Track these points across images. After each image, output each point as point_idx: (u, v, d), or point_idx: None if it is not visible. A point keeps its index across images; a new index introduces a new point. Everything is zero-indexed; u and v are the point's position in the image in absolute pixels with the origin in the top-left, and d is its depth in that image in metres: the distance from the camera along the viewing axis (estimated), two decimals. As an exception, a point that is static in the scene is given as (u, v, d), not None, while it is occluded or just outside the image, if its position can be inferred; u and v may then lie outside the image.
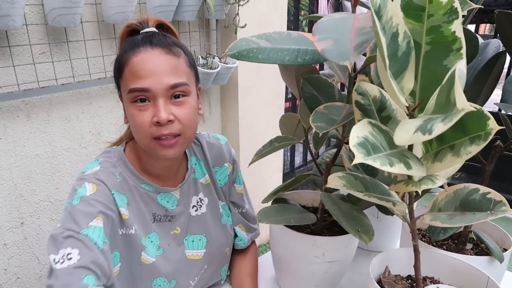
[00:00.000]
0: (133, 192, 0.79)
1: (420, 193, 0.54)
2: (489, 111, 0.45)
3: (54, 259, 0.65)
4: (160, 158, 0.75)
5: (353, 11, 0.64)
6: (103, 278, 0.67)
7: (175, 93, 0.73)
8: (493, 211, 0.55)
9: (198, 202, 0.88)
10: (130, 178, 0.79)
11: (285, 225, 0.81)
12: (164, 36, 0.75)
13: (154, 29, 0.77)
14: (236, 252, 0.99)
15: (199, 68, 1.59)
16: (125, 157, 0.80)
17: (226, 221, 0.93)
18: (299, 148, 3.49)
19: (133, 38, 0.75)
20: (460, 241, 0.88)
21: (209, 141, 0.93)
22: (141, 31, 0.77)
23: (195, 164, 0.90)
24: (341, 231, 0.86)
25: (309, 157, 3.37)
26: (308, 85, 0.74)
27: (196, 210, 0.88)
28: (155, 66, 0.71)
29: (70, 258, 0.65)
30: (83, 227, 0.67)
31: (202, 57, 1.73)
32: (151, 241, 0.80)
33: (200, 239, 0.88)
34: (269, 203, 0.91)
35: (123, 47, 0.75)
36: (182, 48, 0.76)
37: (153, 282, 0.80)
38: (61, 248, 0.65)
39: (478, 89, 0.80)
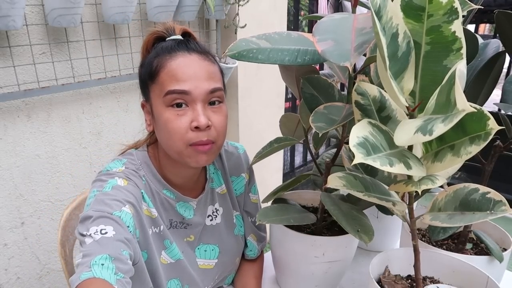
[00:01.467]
0: (154, 197, 0.78)
1: (420, 193, 0.54)
2: (489, 111, 0.46)
3: (85, 233, 0.62)
4: (191, 165, 0.73)
5: (353, 11, 0.64)
6: (133, 259, 0.66)
7: (212, 99, 0.72)
8: (492, 211, 0.55)
9: (213, 212, 0.88)
10: (153, 183, 0.78)
11: (285, 225, 0.81)
12: (197, 43, 0.75)
13: (180, 37, 0.76)
14: (244, 260, 0.99)
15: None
16: (149, 160, 0.79)
17: (239, 232, 0.93)
18: (299, 148, 3.50)
19: (166, 43, 0.74)
20: (460, 241, 0.88)
21: (228, 149, 0.92)
22: (167, 39, 0.76)
23: (213, 173, 0.89)
24: (341, 231, 0.86)
25: (309, 157, 3.38)
26: (308, 85, 0.74)
27: (211, 220, 0.87)
28: (195, 71, 0.70)
29: (106, 233, 0.62)
30: (116, 210, 0.66)
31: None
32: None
33: (213, 249, 0.87)
34: (269, 203, 0.91)
35: (155, 52, 0.74)
36: (214, 57, 0.77)
37: (168, 284, 0.79)
38: (92, 226, 0.63)
39: (477, 89, 0.80)
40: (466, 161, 0.51)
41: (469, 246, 0.89)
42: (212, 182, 0.88)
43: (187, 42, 0.74)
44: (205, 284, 0.87)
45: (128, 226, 0.66)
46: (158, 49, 0.74)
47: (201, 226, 0.85)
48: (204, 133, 0.70)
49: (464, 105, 0.40)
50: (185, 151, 0.71)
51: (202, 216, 0.85)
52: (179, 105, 0.70)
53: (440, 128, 0.42)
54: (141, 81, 0.77)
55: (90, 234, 0.62)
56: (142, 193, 0.74)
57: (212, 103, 0.73)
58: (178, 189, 0.81)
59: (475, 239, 0.90)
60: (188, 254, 0.84)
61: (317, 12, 2.98)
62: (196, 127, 0.69)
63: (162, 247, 0.78)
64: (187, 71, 0.70)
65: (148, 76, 0.73)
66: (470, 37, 0.72)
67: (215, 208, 0.88)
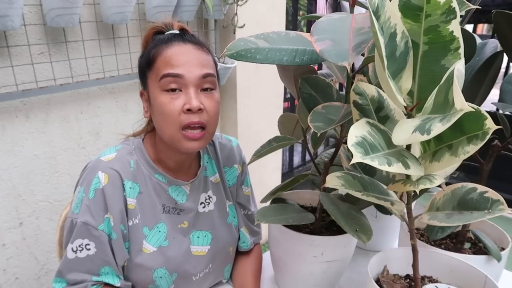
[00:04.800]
0: (146, 181, 0.81)
1: (418, 192, 0.54)
2: (487, 111, 0.46)
3: (71, 248, 0.74)
4: (183, 150, 0.77)
5: (351, 11, 0.64)
6: (117, 270, 0.77)
7: (205, 85, 0.76)
8: (490, 210, 0.55)
9: (206, 199, 0.90)
10: (145, 167, 0.81)
11: (283, 225, 0.81)
12: (193, 35, 0.80)
13: (177, 31, 0.81)
14: (240, 253, 1.00)
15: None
16: (142, 146, 0.83)
17: (232, 221, 0.94)
18: (298, 148, 3.50)
19: (163, 35, 0.79)
20: (458, 240, 0.88)
21: (222, 141, 0.96)
22: (166, 33, 0.80)
23: (207, 162, 0.92)
24: (339, 231, 0.86)
25: (307, 157, 3.38)
26: (306, 85, 0.74)
27: (203, 207, 0.89)
28: (188, 58, 0.75)
29: (89, 249, 0.74)
30: (100, 222, 0.74)
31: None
32: (159, 231, 0.82)
33: (205, 236, 0.89)
34: (268, 203, 0.91)
35: (153, 43, 0.79)
36: (209, 48, 0.81)
37: (154, 274, 0.80)
38: (78, 238, 0.74)
39: (475, 89, 0.81)
40: (464, 160, 0.51)
41: (467, 245, 0.89)
42: (205, 170, 0.90)
43: (183, 35, 0.79)
44: (198, 271, 0.88)
45: (109, 234, 0.75)
46: (156, 40, 0.79)
47: (194, 212, 0.87)
48: (195, 115, 0.74)
49: (462, 105, 0.40)
50: (177, 135, 0.75)
51: (195, 203, 0.87)
52: (173, 90, 0.74)
53: (438, 127, 0.43)
54: (140, 70, 0.81)
55: (75, 250, 0.74)
56: (123, 184, 0.78)
57: (205, 89, 0.77)
58: (171, 173, 0.84)
59: (473, 238, 0.90)
60: (181, 241, 0.85)
61: (315, 12, 2.99)
62: (189, 110, 0.73)
63: (142, 237, 0.80)
64: (181, 57, 0.75)
65: (146, 64, 0.78)
66: (468, 37, 0.72)
67: (208, 196, 0.90)
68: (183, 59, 0.74)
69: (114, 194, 0.76)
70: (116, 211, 0.76)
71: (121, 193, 0.77)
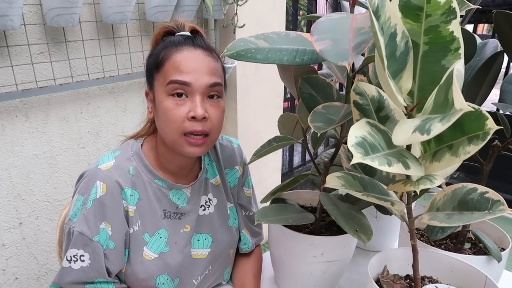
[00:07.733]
0: (146, 187, 0.80)
1: (418, 192, 0.54)
2: (487, 111, 0.46)
3: (66, 257, 0.75)
4: (184, 155, 0.77)
5: (351, 11, 0.64)
6: (109, 278, 0.77)
7: (211, 93, 0.76)
8: (491, 211, 0.55)
9: (206, 202, 0.90)
10: (144, 173, 0.81)
11: (283, 225, 0.81)
12: (203, 40, 0.79)
13: (188, 33, 0.80)
14: (240, 255, 1.00)
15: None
16: (141, 152, 0.83)
17: (233, 223, 0.94)
18: (298, 148, 3.50)
19: (174, 37, 0.79)
20: (458, 241, 0.88)
21: (222, 143, 0.96)
22: (177, 34, 0.80)
23: (208, 164, 0.91)
24: (339, 231, 0.86)
25: (307, 157, 3.38)
26: (307, 85, 0.74)
27: (204, 210, 0.89)
28: (198, 65, 0.74)
29: (83, 260, 0.75)
30: (95, 233, 0.75)
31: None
32: (160, 237, 0.81)
33: (205, 239, 0.88)
34: (268, 203, 0.91)
35: (163, 44, 0.78)
36: (218, 55, 0.80)
37: (156, 280, 0.80)
38: (73, 248, 0.75)
39: (476, 89, 0.80)
40: (464, 161, 0.51)
41: (467, 245, 0.89)
42: (206, 173, 0.90)
43: (194, 38, 0.78)
44: (197, 274, 0.87)
45: (102, 246, 0.75)
46: (166, 42, 0.78)
47: (195, 215, 0.87)
48: (199, 123, 0.74)
49: (461, 105, 0.40)
50: (179, 140, 0.75)
51: (195, 206, 0.87)
52: (179, 95, 0.74)
53: (438, 127, 0.42)
54: (147, 70, 0.81)
55: (69, 260, 0.75)
56: (124, 192, 0.78)
57: (211, 97, 0.76)
58: (171, 177, 0.83)
59: (473, 238, 0.90)
60: (183, 245, 0.85)
61: (315, 12, 2.98)
62: (193, 117, 0.73)
63: (143, 243, 0.80)
64: (190, 64, 0.74)
65: (154, 66, 0.77)
66: (468, 37, 0.72)
67: (208, 198, 0.90)
68: (192, 66, 0.74)
69: (112, 203, 0.76)
70: (115, 220, 0.76)
71: (120, 201, 0.77)
